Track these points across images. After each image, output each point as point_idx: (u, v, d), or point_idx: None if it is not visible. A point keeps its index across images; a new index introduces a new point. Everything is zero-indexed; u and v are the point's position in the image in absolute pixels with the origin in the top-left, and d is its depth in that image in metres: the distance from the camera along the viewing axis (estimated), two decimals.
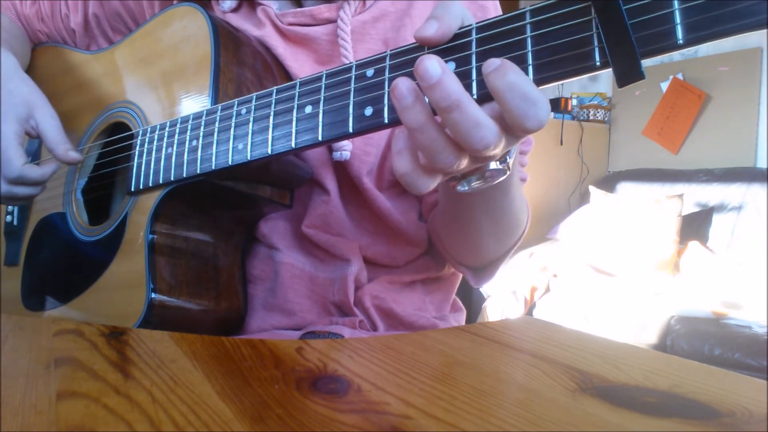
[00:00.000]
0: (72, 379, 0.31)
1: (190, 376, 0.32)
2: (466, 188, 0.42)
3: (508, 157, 0.41)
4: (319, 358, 0.35)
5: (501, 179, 0.41)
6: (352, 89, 0.40)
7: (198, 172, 0.50)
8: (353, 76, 0.41)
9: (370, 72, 0.40)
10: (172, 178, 0.52)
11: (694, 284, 2.27)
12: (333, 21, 0.59)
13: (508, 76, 0.32)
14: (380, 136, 0.59)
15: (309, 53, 0.60)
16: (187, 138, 0.51)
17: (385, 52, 0.39)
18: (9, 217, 0.74)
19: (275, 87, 0.46)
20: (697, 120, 2.84)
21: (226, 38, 0.54)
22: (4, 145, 0.58)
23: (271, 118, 0.45)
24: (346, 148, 0.57)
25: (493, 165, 0.40)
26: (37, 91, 0.62)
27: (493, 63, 0.33)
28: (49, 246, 0.67)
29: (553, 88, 2.92)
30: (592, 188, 2.79)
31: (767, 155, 2.61)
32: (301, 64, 0.59)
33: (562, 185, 3.07)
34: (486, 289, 2.51)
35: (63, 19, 0.75)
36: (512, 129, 0.34)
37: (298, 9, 0.60)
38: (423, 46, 0.37)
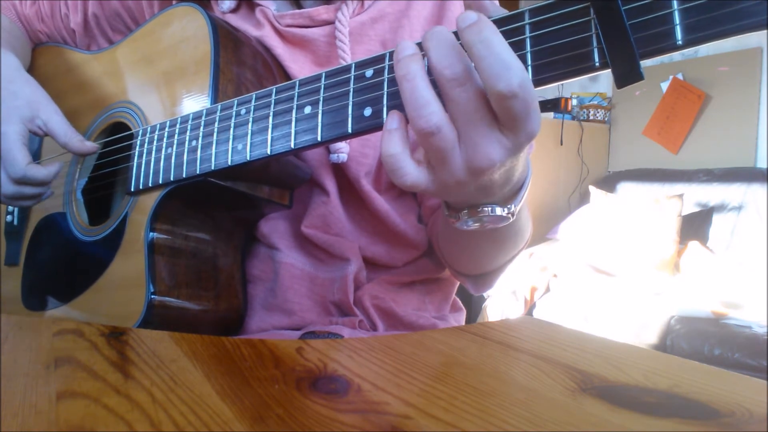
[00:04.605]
0: (72, 379, 0.31)
1: (190, 376, 0.32)
2: (464, 227, 0.42)
3: (513, 205, 0.40)
4: (319, 358, 0.35)
5: (501, 225, 0.41)
6: (351, 90, 0.40)
7: (197, 172, 0.50)
8: (352, 77, 0.40)
9: (369, 72, 0.40)
10: (171, 179, 0.52)
11: (694, 284, 2.27)
12: (331, 22, 0.59)
13: (484, 32, 0.31)
14: (378, 138, 0.59)
15: (307, 54, 0.60)
16: (187, 138, 0.51)
17: (384, 52, 0.39)
18: (9, 217, 0.74)
19: (274, 87, 0.46)
20: (697, 120, 2.84)
21: (225, 38, 0.54)
22: (9, 146, 0.58)
23: (271, 118, 0.45)
24: (343, 150, 0.57)
25: (499, 211, 0.39)
26: (41, 91, 0.62)
27: (469, 17, 0.32)
28: (49, 246, 0.67)
29: (553, 88, 2.92)
30: (592, 188, 2.79)
31: (767, 155, 2.61)
32: (299, 66, 0.59)
33: (562, 185, 3.07)
34: None
35: (63, 19, 0.75)
36: (486, 90, 0.32)
37: (297, 10, 0.60)
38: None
